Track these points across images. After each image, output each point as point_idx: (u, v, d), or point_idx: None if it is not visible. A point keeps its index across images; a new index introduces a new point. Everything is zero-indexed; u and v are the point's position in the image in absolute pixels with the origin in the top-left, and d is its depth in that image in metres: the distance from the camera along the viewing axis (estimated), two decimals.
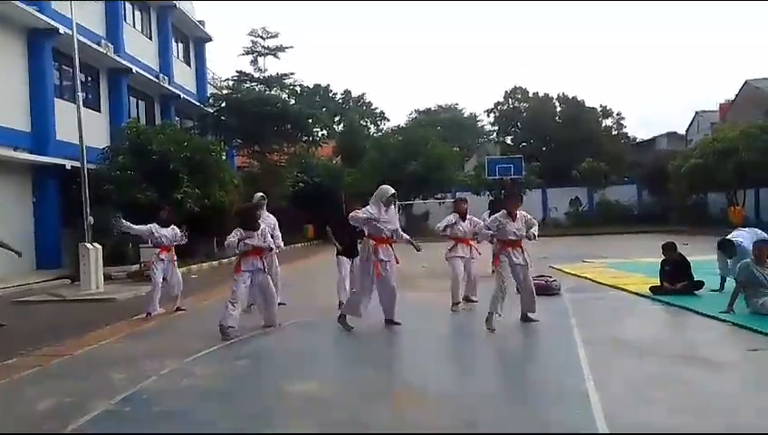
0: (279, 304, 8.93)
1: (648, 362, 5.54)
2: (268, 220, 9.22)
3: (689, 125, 42.89)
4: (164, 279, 9.25)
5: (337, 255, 9.33)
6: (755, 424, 4.00)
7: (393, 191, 7.50)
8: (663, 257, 9.43)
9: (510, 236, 7.39)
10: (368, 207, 7.46)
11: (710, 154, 27.16)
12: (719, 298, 8.19)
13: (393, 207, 7.67)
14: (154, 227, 9.30)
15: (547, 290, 9.29)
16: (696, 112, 42.21)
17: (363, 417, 4.32)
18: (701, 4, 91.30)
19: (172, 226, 9.53)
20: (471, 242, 9.30)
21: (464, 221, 9.30)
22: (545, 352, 6.49)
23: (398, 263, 7.60)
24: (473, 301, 9.15)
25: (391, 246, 7.55)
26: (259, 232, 7.56)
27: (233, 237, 7.36)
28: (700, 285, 9.07)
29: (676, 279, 9.03)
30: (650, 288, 9.23)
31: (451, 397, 4.74)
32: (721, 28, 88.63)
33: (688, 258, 9.44)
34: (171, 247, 9.42)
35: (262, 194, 9.76)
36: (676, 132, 44.90)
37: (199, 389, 5.18)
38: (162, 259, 9.25)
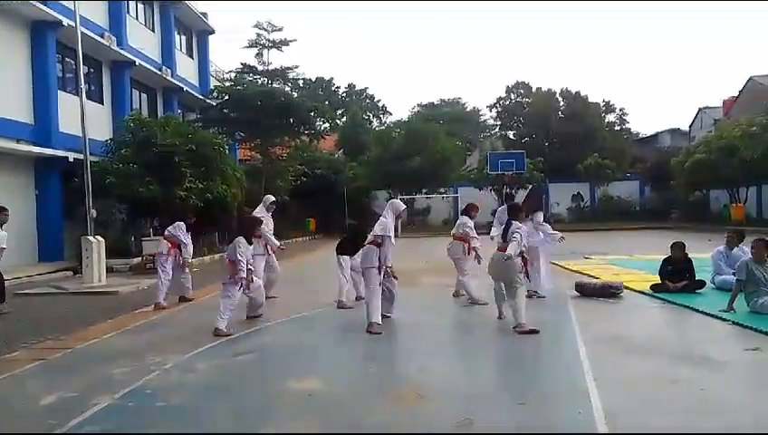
0: (269, 297, 9.05)
1: (648, 361, 5.56)
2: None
3: (692, 121, 42.69)
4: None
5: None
6: (754, 424, 4.02)
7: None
8: (667, 255, 9.43)
9: None
10: (388, 219, 7.68)
11: (713, 151, 27.11)
12: (720, 297, 8.20)
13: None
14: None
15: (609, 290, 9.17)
16: (700, 108, 42.00)
17: (363, 414, 4.34)
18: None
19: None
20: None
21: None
22: (546, 349, 6.49)
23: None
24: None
25: None
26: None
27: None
28: (701, 284, 9.08)
29: (678, 278, 9.05)
30: (651, 286, 9.23)
31: (451, 395, 4.74)
32: (726, 23, 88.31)
33: (690, 256, 9.43)
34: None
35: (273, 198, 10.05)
36: (679, 129, 44.72)
37: (202, 384, 5.22)
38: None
